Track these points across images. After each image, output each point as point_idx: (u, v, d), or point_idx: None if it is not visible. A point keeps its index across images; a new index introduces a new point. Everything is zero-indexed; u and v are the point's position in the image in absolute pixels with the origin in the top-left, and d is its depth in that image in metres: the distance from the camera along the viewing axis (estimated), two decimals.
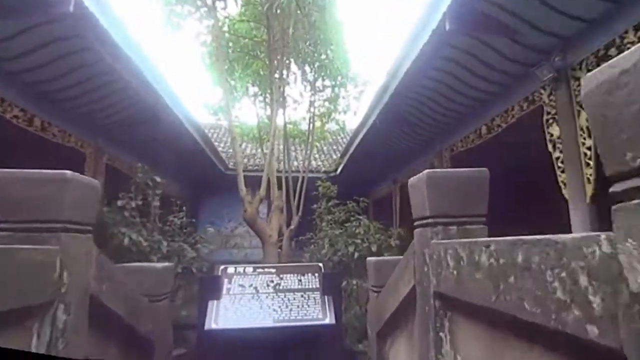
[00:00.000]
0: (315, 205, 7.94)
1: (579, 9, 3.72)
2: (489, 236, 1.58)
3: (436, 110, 6.54)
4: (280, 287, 5.17)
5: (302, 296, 5.06)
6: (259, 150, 11.56)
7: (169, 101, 6.40)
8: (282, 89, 9.05)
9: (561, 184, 4.39)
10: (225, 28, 9.49)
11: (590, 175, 3.87)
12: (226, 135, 14.63)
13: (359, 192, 11.67)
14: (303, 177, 9.34)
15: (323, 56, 9.84)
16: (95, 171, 7.09)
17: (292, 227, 8.30)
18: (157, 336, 2.26)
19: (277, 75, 8.50)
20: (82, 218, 1.52)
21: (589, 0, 3.56)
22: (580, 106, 3.96)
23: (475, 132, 6.21)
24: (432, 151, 7.75)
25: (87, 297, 1.49)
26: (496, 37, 4.36)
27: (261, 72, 10.11)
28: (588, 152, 3.90)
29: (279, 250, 7.50)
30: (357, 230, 5.21)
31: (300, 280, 5.24)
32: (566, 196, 4.30)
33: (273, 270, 5.38)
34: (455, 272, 1.28)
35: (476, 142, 6.23)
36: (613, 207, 0.78)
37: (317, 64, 10.02)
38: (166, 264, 2.48)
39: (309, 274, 5.32)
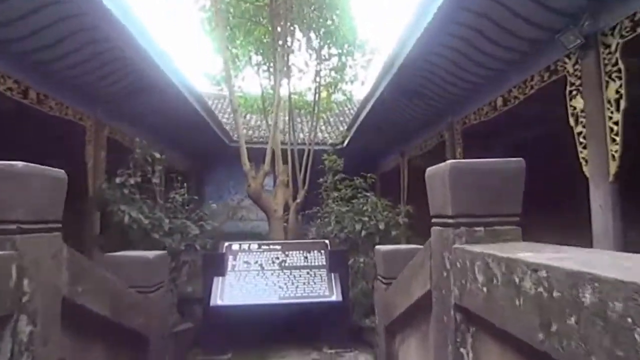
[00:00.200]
0: (321, 179, 7.76)
1: None
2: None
3: (448, 80, 6.21)
4: (286, 264, 5.08)
5: (308, 273, 4.98)
6: (264, 122, 11.27)
7: (167, 70, 6.14)
8: (286, 57, 8.67)
9: (582, 161, 4.14)
10: None
11: (616, 152, 3.62)
12: (230, 105, 14.31)
13: (366, 165, 11.47)
14: (309, 150, 9.11)
15: (329, 22, 9.38)
16: (97, 145, 6.92)
17: (298, 200, 8.15)
18: (151, 329, 2.13)
19: (280, 43, 8.12)
20: (45, 215, 1.33)
21: None
22: (610, 77, 3.66)
23: (490, 104, 5.90)
24: (442, 123, 7.45)
25: (57, 303, 1.33)
26: None
27: (264, 40, 9.69)
28: (615, 127, 3.63)
29: (285, 224, 7.39)
30: (364, 208, 5.04)
31: (306, 257, 5.15)
32: (587, 174, 4.06)
33: (278, 247, 5.27)
34: (485, 289, 1.09)
35: (490, 115, 5.93)
36: None
37: (322, 31, 9.57)
38: (159, 252, 2.33)
39: (315, 251, 5.21)
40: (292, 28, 8.95)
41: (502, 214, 1.35)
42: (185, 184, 5.64)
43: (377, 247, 2.35)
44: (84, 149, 6.57)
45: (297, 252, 5.19)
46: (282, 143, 8.97)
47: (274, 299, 4.69)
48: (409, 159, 9.51)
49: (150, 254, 2.23)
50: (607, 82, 3.68)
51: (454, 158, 7.24)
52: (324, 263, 5.04)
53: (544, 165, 10.26)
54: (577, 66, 4.15)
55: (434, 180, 1.45)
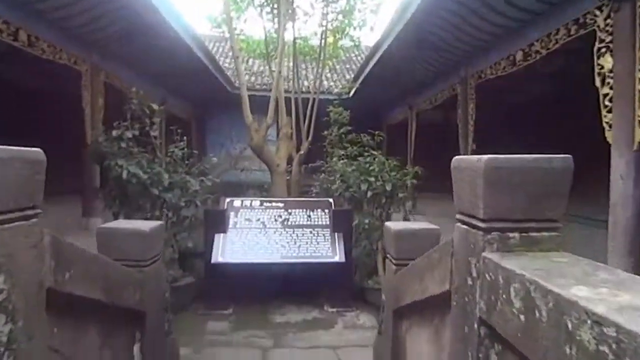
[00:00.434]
0: (326, 132, 7.51)
1: None
2: None
3: (465, 30, 5.77)
4: (289, 223, 5.00)
5: (311, 232, 4.91)
6: (267, 67, 10.77)
7: (164, 12, 5.73)
8: None
9: (605, 125, 3.88)
10: None
11: None
12: (231, 50, 13.67)
13: (372, 118, 11.17)
14: (313, 99, 8.74)
15: None
16: (93, 91, 6.64)
17: (301, 152, 7.94)
18: (148, 304, 2.04)
19: None
20: (21, 202, 1.17)
21: None
22: None
23: (509, 58, 5.51)
24: (456, 77, 7.07)
25: (41, 295, 1.21)
26: None
27: None
28: None
29: (288, 178, 7.25)
30: (371, 167, 4.85)
31: (309, 216, 5.06)
32: (609, 140, 3.82)
33: (281, 205, 5.17)
34: (522, 318, 0.94)
35: (508, 69, 5.57)
36: None
37: None
38: (154, 223, 2.18)
39: (319, 210, 5.11)
40: None
41: (541, 218, 1.17)
42: (185, 137, 5.42)
43: (387, 224, 2.20)
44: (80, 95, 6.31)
45: (301, 210, 5.08)
46: (286, 91, 8.60)
47: (275, 258, 4.65)
48: (417, 112, 9.17)
49: (146, 226, 2.09)
50: None
51: (466, 114, 6.99)
52: (328, 222, 4.95)
53: (556, 126, 9.96)
54: (609, 20, 3.77)
55: (463, 173, 1.25)
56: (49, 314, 1.31)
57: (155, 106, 4.99)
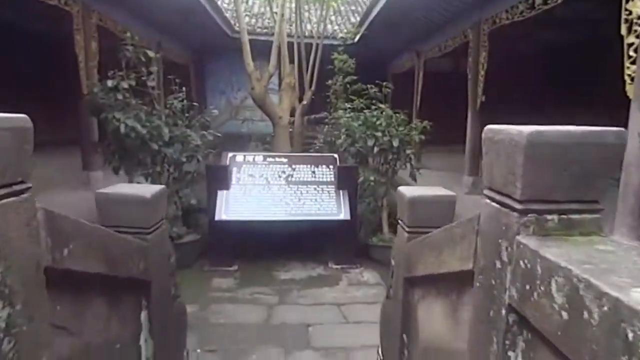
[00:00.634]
0: (330, 81, 7.20)
1: None
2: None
3: None
4: (293, 179, 4.90)
5: (315, 189, 4.83)
6: (267, 9, 10.16)
7: None
8: None
9: (626, 78, 3.64)
10: None
11: None
12: None
13: (378, 66, 10.72)
14: (317, 45, 8.29)
15: None
16: (86, 35, 6.26)
17: (304, 102, 7.67)
18: (153, 272, 1.98)
19: None
20: (9, 177, 1.05)
21: None
22: None
23: (527, 1, 5.12)
24: (467, 22, 6.65)
25: (40, 275, 1.14)
26: None
27: None
28: None
29: (291, 130, 7.06)
30: (377, 122, 4.66)
31: (314, 172, 4.95)
32: (629, 94, 3.60)
33: (285, 160, 5.05)
34: (565, 315, 0.85)
35: (526, 14, 5.20)
36: None
37: None
38: (156, 188, 2.07)
39: (324, 166, 5.00)
40: None
41: (583, 199, 1.05)
42: (184, 88, 5.17)
43: (400, 189, 2.09)
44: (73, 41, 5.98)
45: (305, 166, 4.97)
46: (288, 36, 8.14)
47: (280, 216, 4.61)
48: (425, 60, 8.77)
49: (147, 191, 1.98)
50: None
51: (477, 62, 6.66)
52: (333, 179, 4.86)
53: (568, 75, 9.55)
54: None
55: (498, 146, 1.12)
56: (51, 292, 1.24)
57: (151, 53, 4.72)
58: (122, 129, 4.21)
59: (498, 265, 1.14)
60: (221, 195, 4.65)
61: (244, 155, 5.07)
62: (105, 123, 4.43)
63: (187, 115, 5.01)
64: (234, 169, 4.88)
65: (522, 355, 1.09)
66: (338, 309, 3.83)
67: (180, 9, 7.63)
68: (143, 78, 4.70)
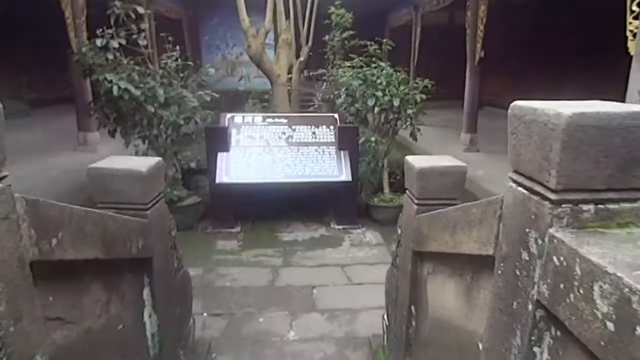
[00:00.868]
0: (327, 37, 6.88)
1: None
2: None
3: None
4: (293, 140, 4.79)
5: (316, 150, 4.74)
6: None
7: None
8: None
9: (628, 34, 3.47)
10: None
11: None
12: None
13: (375, 21, 10.25)
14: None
15: None
16: None
17: (301, 59, 7.37)
18: (153, 249, 1.92)
19: None
20: None
21: None
22: None
23: None
24: None
25: (25, 271, 1.06)
26: None
27: None
28: None
29: (288, 88, 6.83)
30: (378, 81, 4.46)
31: (314, 133, 4.83)
32: (631, 51, 3.45)
33: (285, 121, 4.91)
34: (612, 327, 0.78)
35: None
36: None
37: None
38: (153, 161, 1.97)
39: (324, 127, 4.87)
40: None
41: (623, 187, 0.96)
42: (178, 46, 4.92)
43: (409, 159, 2.00)
44: None
45: (305, 127, 4.83)
46: None
47: (280, 177, 4.54)
48: (423, 14, 8.37)
49: (143, 165, 1.88)
50: None
51: (476, 16, 6.36)
52: (333, 140, 4.74)
53: (569, 28, 9.16)
54: None
55: (529, 127, 1.01)
56: (42, 285, 1.17)
57: (141, 9, 4.42)
58: (115, 91, 4.03)
59: (525, 256, 1.07)
60: (221, 157, 4.55)
61: (243, 116, 4.92)
62: (97, 85, 4.24)
63: (182, 75, 4.79)
64: (233, 131, 4.75)
65: (549, 352, 1.04)
66: (342, 269, 3.85)
67: None
68: (134, 36, 4.44)
